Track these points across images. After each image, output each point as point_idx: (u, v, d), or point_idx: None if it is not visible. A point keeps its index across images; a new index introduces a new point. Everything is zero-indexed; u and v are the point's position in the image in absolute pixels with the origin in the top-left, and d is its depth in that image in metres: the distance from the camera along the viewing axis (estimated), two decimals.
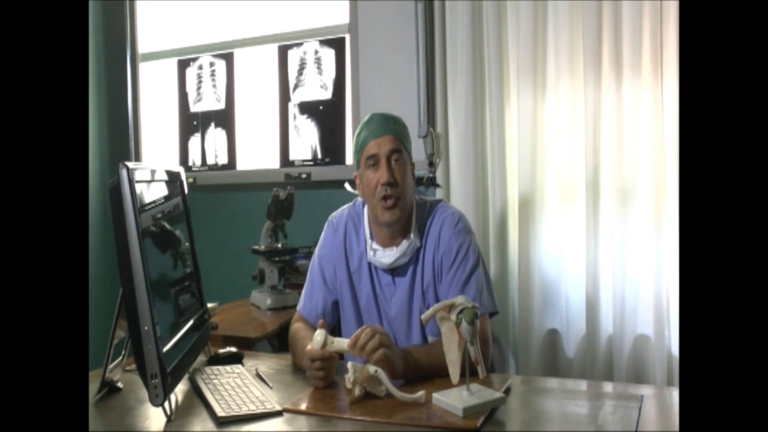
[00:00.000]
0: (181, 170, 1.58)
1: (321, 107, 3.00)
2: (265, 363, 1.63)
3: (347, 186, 2.49)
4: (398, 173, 1.56)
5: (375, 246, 1.63)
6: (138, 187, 1.19)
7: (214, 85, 3.25)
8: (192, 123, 3.32)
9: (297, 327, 1.65)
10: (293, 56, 3.06)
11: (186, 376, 1.46)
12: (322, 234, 1.73)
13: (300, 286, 1.82)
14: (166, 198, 1.42)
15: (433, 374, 1.41)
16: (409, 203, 1.61)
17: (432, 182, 2.62)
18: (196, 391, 1.40)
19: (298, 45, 3.04)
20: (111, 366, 1.38)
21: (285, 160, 3.08)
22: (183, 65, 3.33)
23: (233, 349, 1.65)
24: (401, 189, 1.56)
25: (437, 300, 1.58)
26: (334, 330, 1.72)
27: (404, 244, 1.60)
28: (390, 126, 1.59)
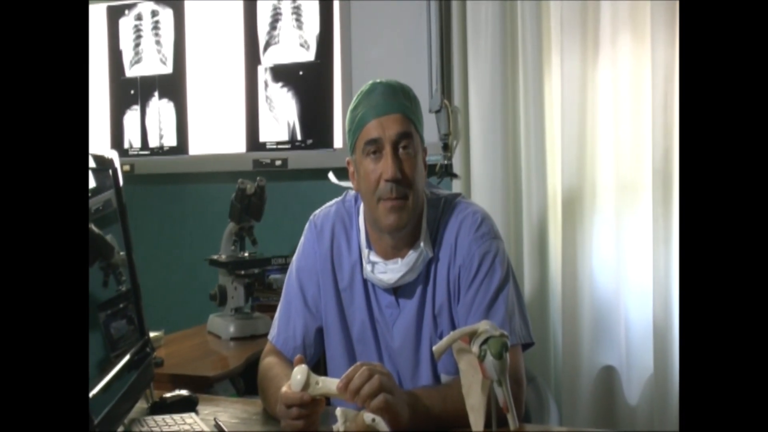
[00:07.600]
0: (114, 155, 1.59)
1: (301, 72, 3.01)
2: (227, 410, 1.63)
3: (331, 176, 2.49)
4: (408, 166, 1.56)
5: (373, 258, 1.63)
6: None
7: (157, 42, 3.26)
8: (128, 92, 3.32)
9: (269, 362, 1.65)
10: (264, 5, 3.07)
11: (120, 429, 1.46)
12: (302, 239, 1.74)
13: (273, 309, 1.82)
14: (94, 192, 1.43)
15: (450, 424, 1.41)
16: (420, 202, 1.61)
17: (447, 171, 2.62)
18: None
19: None
20: None
21: (254, 143, 3.09)
22: (115, 14, 3.34)
23: (184, 393, 1.65)
24: (411, 187, 1.56)
25: (453, 326, 1.58)
26: (318, 365, 1.72)
27: (412, 255, 1.60)
28: (398, 101, 1.58)
